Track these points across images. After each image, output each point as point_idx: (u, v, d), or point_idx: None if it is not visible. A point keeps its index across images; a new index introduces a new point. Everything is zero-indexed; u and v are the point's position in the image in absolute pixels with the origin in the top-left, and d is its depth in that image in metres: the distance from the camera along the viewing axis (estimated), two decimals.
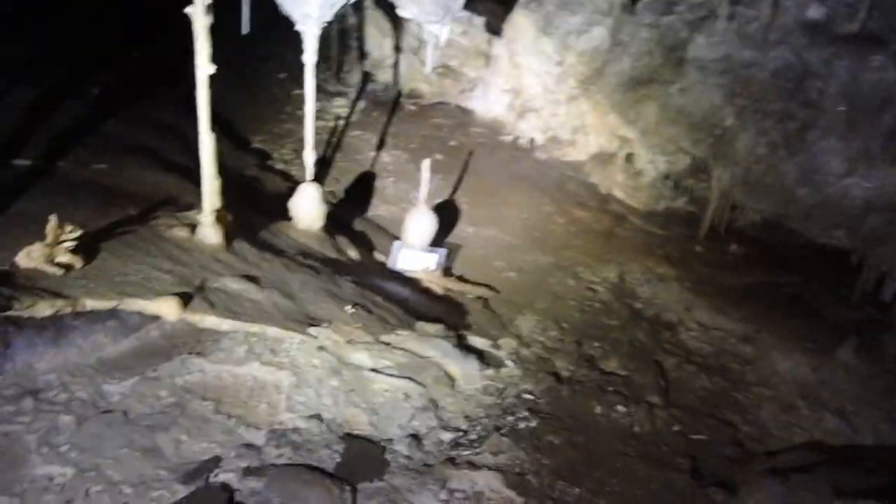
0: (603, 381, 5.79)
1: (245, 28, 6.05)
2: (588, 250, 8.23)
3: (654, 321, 7.06)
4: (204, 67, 4.86)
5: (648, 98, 8.94)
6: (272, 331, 4.44)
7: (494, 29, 9.72)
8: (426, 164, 6.95)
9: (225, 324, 4.30)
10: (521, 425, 4.92)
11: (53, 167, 5.94)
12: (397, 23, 10.23)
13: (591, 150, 9.71)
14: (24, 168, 5.70)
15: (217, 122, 5.31)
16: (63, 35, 8.85)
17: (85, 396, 4.11)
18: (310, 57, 6.15)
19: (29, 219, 4.76)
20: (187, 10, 4.74)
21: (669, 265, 8.16)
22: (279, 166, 9.00)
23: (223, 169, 5.57)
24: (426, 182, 7.00)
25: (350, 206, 8.30)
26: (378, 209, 8.52)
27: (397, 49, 10.65)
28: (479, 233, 8.18)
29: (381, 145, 9.63)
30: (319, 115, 10.31)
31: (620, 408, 5.44)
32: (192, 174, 6.70)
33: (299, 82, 10.93)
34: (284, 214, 6.90)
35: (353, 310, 5.16)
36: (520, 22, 9.60)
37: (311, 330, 4.72)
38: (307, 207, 6.53)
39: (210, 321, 4.27)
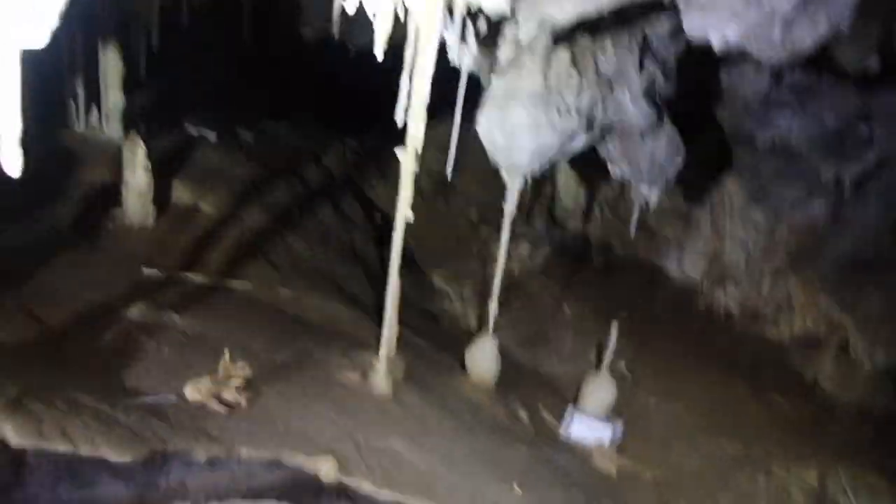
0: None
1: (449, 173, 5.88)
2: (785, 444, 7.15)
3: None
4: (403, 213, 4.67)
5: (872, 284, 7.96)
6: None
7: (700, 191, 9.19)
8: (615, 327, 6.41)
9: (382, 494, 3.87)
10: None
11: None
12: (597, 176, 9.94)
13: (797, 332, 8.71)
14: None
15: (403, 254, 5.13)
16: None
17: None
18: (510, 206, 5.91)
19: (206, 344, 4.66)
20: (398, 150, 4.61)
21: (882, 475, 6.93)
22: (458, 305, 8.75)
23: (403, 300, 5.35)
24: (612, 346, 6.44)
25: (523, 358, 7.83)
26: (553, 366, 7.97)
27: (591, 200, 10.31)
28: (660, 406, 7.38)
29: (563, 297, 9.17)
30: (507, 256, 10.10)
31: None
32: (372, 310, 6.56)
33: (487, 220, 10.99)
34: (458, 361, 6.58)
35: (520, 492, 4.58)
36: (730, 187, 9.02)
37: None
38: (483, 362, 6.16)
39: (367, 488, 3.86)
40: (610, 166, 6.38)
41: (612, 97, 5.85)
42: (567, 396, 7.23)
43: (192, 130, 8.20)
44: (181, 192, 7.03)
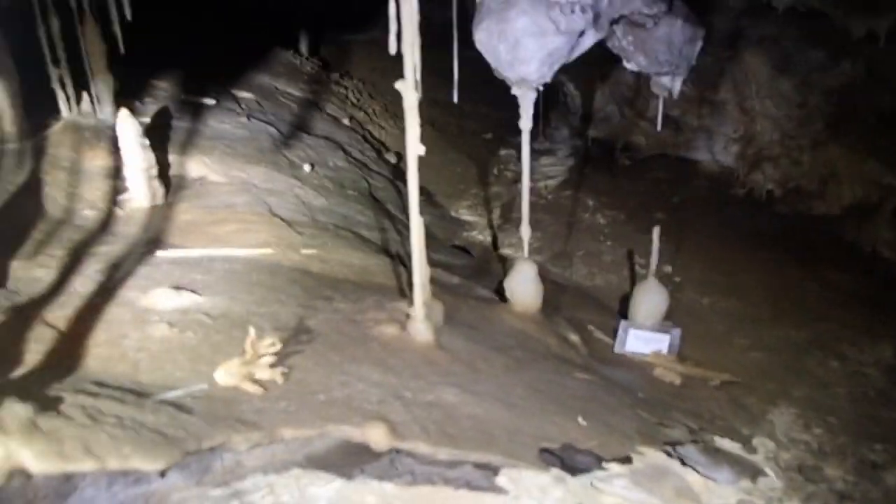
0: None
1: (455, 96, 5.53)
2: (852, 323, 6.81)
3: None
4: (414, 147, 4.33)
5: None
6: (497, 460, 3.71)
7: (720, 72, 8.67)
8: (656, 232, 6.06)
9: (441, 452, 3.64)
10: None
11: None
12: (609, 73, 9.44)
13: (846, 203, 8.30)
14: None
15: (422, 189, 4.83)
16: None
17: (290, 501, 3.59)
18: (526, 122, 5.52)
19: (232, 322, 4.42)
20: (397, 85, 4.25)
21: None
22: (487, 233, 8.45)
23: (430, 239, 5.04)
24: (656, 252, 6.11)
25: (562, 276, 7.54)
26: (594, 278, 7.68)
27: (609, 101, 9.83)
28: (715, 305, 7.07)
29: (595, 206, 8.82)
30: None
31: None
32: (402, 256, 6.29)
33: (504, 142, 10.58)
34: (497, 292, 6.31)
35: (585, 423, 4.34)
36: (750, 62, 8.47)
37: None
38: (524, 288, 5.87)
39: (423, 449, 3.63)
40: (624, 62, 5.91)
41: None
42: (614, 309, 6.97)
43: (189, 98, 7.88)
44: (187, 165, 6.74)
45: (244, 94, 8.80)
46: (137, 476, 3.05)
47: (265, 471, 3.58)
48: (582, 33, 5.27)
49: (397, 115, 10.46)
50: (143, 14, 6.49)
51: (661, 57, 5.62)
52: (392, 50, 4.45)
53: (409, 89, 4.22)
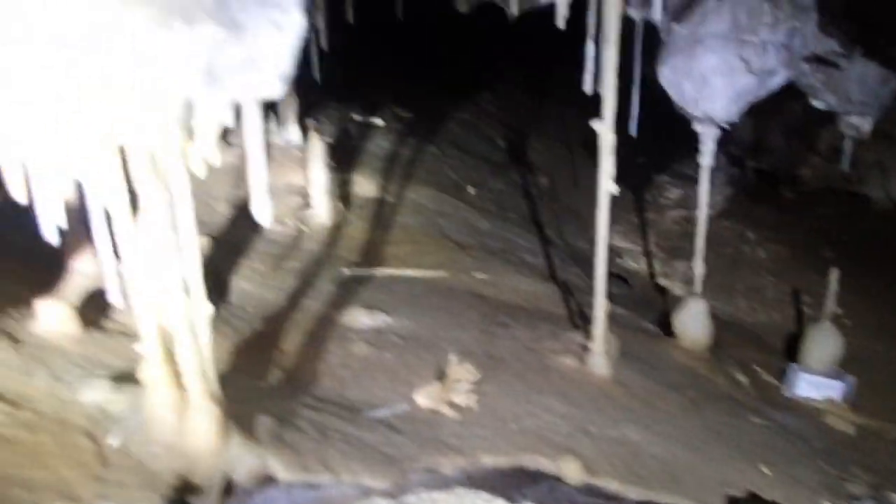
0: None
1: (633, 129, 5.58)
2: None
3: None
4: (606, 187, 4.43)
5: None
6: None
7: None
8: (834, 275, 5.89)
9: (631, 492, 3.71)
10: None
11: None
12: (776, 103, 9.19)
13: None
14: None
15: (576, 213, 4.91)
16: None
17: None
18: (707, 160, 5.54)
19: (421, 344, 4.65)
20: (594, 124, 4.36)
21: None
22: (642, 261, 8.41)
23: (588, 266, 5.08)
24: (833, 295, 5.94)
25: (723, 311, 7.41)
26: (757, 314, 7.52)
27: (775, 131, 9.57)
28: (889, 354, 6.78)
29: (756, 239, 8.61)
30: (683, 202, 9.61)
31: None
32: (568, 282, 6.37)
33: (660, 167, 10.47)
34: (658, 324, 6.31)
35: (769, 472, 4.29)
36: None
37: None
38: (694, 325, 5.84)
39: (614, 487, 3.71)
40: (811, 99, 5.79)
41: (812, 25, 5.27)
42: (779, 349, 6.80)
43: (360, 118, 8.26)
44: (362, 185, 7.08)
45: (410, 114, 9.13)
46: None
47: (428, 486, 3.77)
48: (773, 72, 5.22)
49: (548, 135, 10.58)
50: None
51: (854, 97, 5.48)
52: (588, 90, 4.58)
53: (606, 130, 4.31)
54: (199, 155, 2.49)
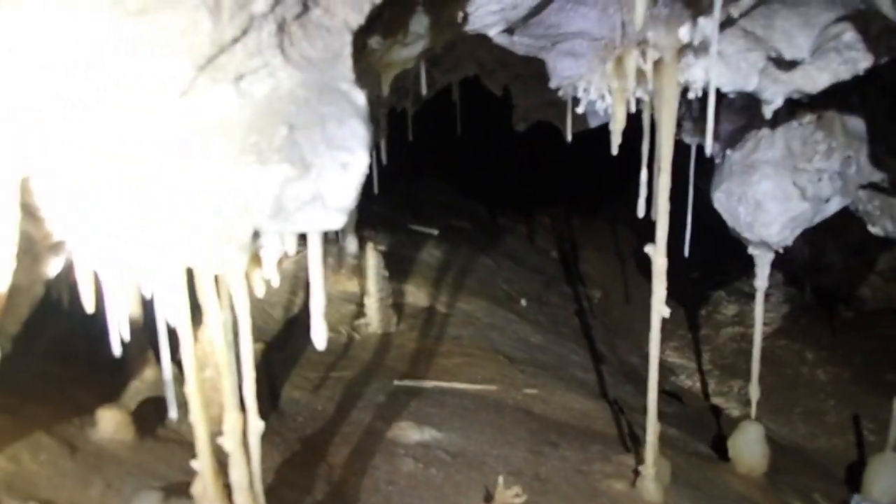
0: None
1: (686, 251, 5.60)
2: None
3: None
4: (658, 309, 4.43)
5: None
6: None
7: None
8: None
9: None
10: None
11: None
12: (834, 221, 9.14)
13: None
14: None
15: (629, 328, 4.88)
16: None
17: None
18: (762, 283, 5.52)
19: (469, 461, 4.62)
20: (647, 249, 4.42)
21: None
22: (696, 378, 8.27)
23: (640, 384, 5.03)
24: None
25: (779, 434, 7.19)
26: (816, 440, 7.28)
27: (833, 249, 9.47)
28: None
29: (814, 360, 8.40)
30: (738, 319, 9.50)
31: None
32: (620, 402, 6.29)
33: (714, 284, 10.41)
34: (712, 446, 6.15)
35: None
36: None
37: None
38: (750, 451, 5.68)
39: None
40: (869, 226, 5.77)
41: (866, 153, 5.31)
42: (840, 477, 6.54)
43: (416, 228, 8.49)
44: (414, 294, 7.19)
45: (464, 225, 9.33)
46: None
47: None
48: (827, 199, 5.24)
49: (600, 247, 10.65)
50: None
51: None
52: (640, 214, 4.65)
53: (659, 255, 4.36)
54: (260, 277, 2.62)
